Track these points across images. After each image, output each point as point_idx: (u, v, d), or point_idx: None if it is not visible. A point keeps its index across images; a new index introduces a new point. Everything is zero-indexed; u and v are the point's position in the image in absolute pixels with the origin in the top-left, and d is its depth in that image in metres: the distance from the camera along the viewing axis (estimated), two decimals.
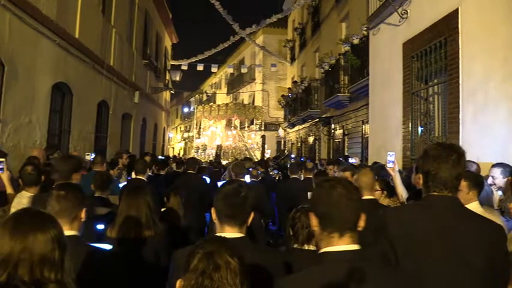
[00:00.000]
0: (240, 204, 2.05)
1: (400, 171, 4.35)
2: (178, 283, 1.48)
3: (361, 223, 1.60)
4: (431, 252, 1.85)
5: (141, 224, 3.02)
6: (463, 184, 3.27)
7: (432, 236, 1.86)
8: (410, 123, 7.08)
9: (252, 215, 2.11)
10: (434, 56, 6.38)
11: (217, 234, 2.02)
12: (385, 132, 8.04)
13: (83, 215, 2.27)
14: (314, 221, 1.62)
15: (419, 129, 6.93)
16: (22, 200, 3.89)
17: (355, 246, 1.57)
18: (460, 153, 1.99)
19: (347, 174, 4.71)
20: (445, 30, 6.03)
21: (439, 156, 1.96)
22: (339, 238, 1.56)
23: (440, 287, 1.84)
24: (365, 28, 9.74)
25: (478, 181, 3.34)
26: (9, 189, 4.32)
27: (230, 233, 2.00)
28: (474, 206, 3.27)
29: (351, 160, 8.45)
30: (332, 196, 1.59)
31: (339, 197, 1.58)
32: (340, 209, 1.57)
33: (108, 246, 2.69)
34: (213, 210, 2.09)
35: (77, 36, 8.95)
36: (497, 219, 3.10)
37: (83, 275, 1.89)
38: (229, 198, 2.06)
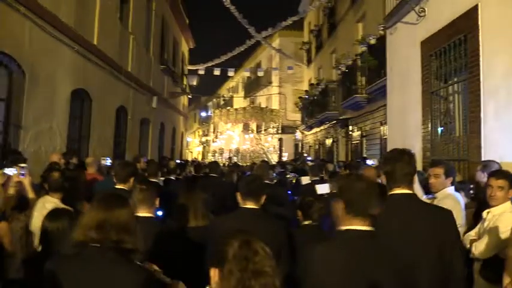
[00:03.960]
0: (256, 186, 3.07)
1: (420, 173, 4.26)
2: (214, 272, 1.62)
3: (377, 210, 1.99)
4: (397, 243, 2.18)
5: (197, 215, 3.60)
6: (505, 183, 3.22)
7: (397, 230, 2.29)
8: (429, 124, 6.93)
9: (264, 196, 3.08)
10: (454, 54, 6.24)
11: (242, 206, 3.05)
12: (404, 133, 7.90)
13: (157, 202, 3.02)
14: (341, 205, 2.00)
15: (439, 129, 6.78)
16: (46, 205, 3.93)
17: (371, 228, 1.98)
18: (411, 154, 2.54)
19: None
20: (464, 27, 5.89)
21: (394, 158, 2.47)
22: (360, 220, 1.96)
23: None
24: (382, 28, 9.62)
25: None
26: (31, 194, 4.36)
27: (249, 205, 3.01)
28: (508, 205, 3.22)
29: (368, 162, 8.32)
30: (359, 187, 2.01)
31: (365, 189, 2.00)
32: (364, 197, 1.97)
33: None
34: (238, 194, 3.07)
35: (95, 43, 9.10)
36: None
37: (156, 245, 2.62)
38: (250, 183, 3.09)
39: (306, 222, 3.67)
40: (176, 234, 3.04)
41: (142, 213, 2.92)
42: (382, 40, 9.77)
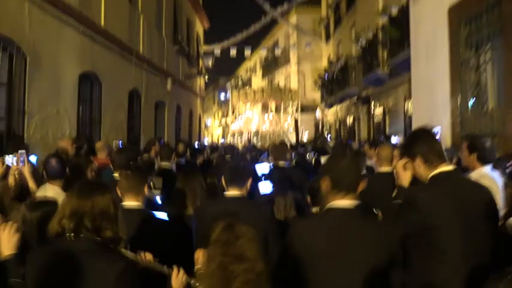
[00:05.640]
0: (239, 173, 2.95)
1: (449, 150, 3.89)
2: (200, 253, 1.73)
3: (360, 187, 2.07)
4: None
5: (196, 201, 3.37)
6: None
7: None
8: (459, 96, 6.42)
9: (250, 180, 2.97)
10: (487, 19, 5.68)
11: (225, 193, 2.93)
12: (431, 108, 7.39)
13: (145, 190, 2.84)
14: (327, 183, 2.07)
15: (470, 102, 6.26)
16: (46, 193, 3.74)
17: (355, 203, 2.04)
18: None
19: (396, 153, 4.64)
20: None
21: (426, 136, 2.42)
22: (343, 196, 2.03)
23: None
24: None
25: None
26: (30, 183, 4.19)
27: (232, 192, 2.90)
28: None
29: (393, 140, 7.86)
30: (344, 164, 2.10)
31: (347, 167, 2.08)
32: (347, 175, 2.05)
33: (163, 214, 3.08)
34: (222, 178, 2.95)
35: (102, 24, 8.77)
36: None
37: (142, 236, 2.47)
38: (232, 169, 2.96)
39: (314, 210, 3.39)
40: (163, 224, 2.83)
41: (128, 202, 2.70)
42: (405, 10, 9.19)
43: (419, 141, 2.36)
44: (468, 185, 2.36)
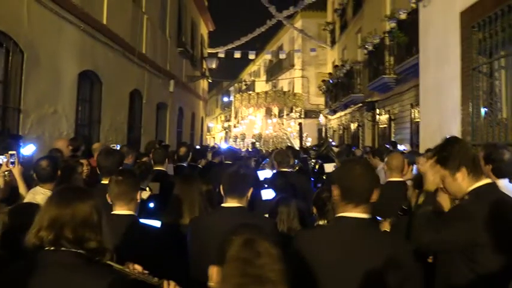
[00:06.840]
0: (239, 181, 2.64)
1: None
2: (215, 271, 1.44)
3: (374, 197, 1.90)
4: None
5: (194, 210, 3.14)
6: None
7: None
8: (470, 104, 6.19)
9: (251, 190, 2.67)
10: (501, 24, 5.46)
11: (222, 204, 2.65)
12: (440, 115, 7.16)
13: (138, 197, 2.59)
14: (336, 192, 1.93)
15: (482, 110, 6.03)
16: (36, 197, 3.54)
17: (365, 215, 1.89)
18: None
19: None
20: None
21: (466, 148, 2.22)
22: (353, 207, 1.88)
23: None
24: (414, 0, 8.81)
25: None
26: (20, 185, 3.99)
27: (231, 203, 2.61)
28: None
29: (400, 147, 7.63)
30: (355, 172, 1.92)
31: (358, 175, 1.91)
32: (358, 184, 1.89)
33: (157, 222, 2.87)
34: (221, 187, 2.67)
35: (104, 22, 8.58)
36: None
37: (133, 245, 2.23)
38: (231, 177, 2.64)
39: (321, 222, 3.20)
40: (155, 234, 2.63)
41: (119, 210, 2.49)
42: (413, 14, 8.99)
43: (461, 151, 2.14)
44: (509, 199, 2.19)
